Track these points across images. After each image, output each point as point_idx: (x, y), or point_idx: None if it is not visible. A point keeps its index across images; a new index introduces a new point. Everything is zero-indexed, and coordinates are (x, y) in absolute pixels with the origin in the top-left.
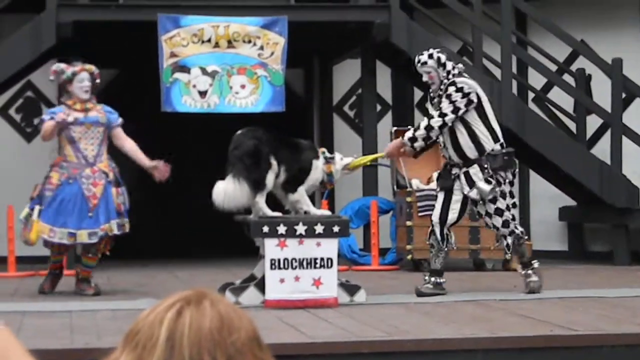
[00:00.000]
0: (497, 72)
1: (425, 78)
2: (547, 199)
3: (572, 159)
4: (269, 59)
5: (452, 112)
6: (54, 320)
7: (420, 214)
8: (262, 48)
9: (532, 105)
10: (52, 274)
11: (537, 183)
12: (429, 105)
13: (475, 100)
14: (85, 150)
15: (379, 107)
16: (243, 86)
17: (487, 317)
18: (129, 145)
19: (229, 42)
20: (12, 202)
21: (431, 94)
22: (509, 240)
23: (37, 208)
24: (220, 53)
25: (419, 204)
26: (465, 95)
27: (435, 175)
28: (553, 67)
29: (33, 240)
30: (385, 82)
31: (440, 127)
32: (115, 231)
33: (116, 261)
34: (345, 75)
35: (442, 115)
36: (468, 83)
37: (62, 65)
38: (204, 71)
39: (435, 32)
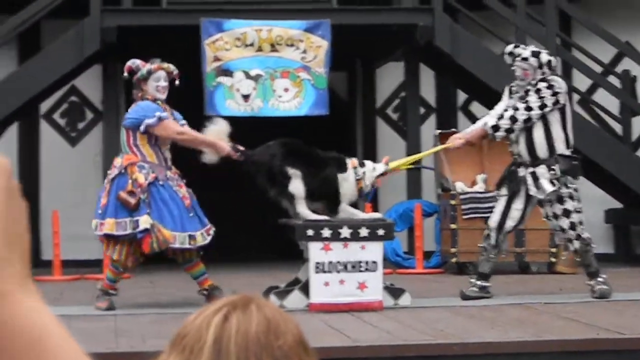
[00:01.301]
0: None
1: (518, 72)
2: (593, 201)
3: (617, 161)
4: (312, 62)
5: (539, 107)
6: (99, 324)
7: (464, 216)
8: (305, 51)
9: (577, 108)
10: (108, 293)
11: (583, 185)
12: (505, 96)
13: (562, 101)
14: (165, 153)
15: (422, 110)
16: (286, 90)
17: (533, 320)
18: None
19: (272, 45)
20: (58, 207)
21: (514, 87)
22: (576, 244)
23: (147, 214)
24: (263, 57)
25: (463, 206)
26: (555, 93)
27: (479, 177)
28: (598, 69)
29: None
30: (428, 85)
31: (525, 121)
32: (213, 231)
33: (160, 265)
34: (389, 78)
35: (529, 109)
36: (559, 82)
37: (138, 62)
38: (247, 75)
39: (479, 35)
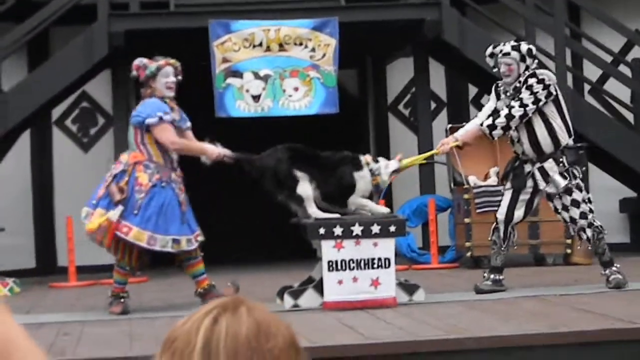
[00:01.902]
0: (551, 65)
1: (503, 69)
2: (607, 190)
3: (630, 150)
4: (320, 60)
5: (533, 102)
6: (113, 328)
7: (478, 210)
8: (313, 50)
9: (588, 98)
10: (120, 297)
11: (597, 175)
12: (493, 97)
13: (554, 92)
14: (173, 154)
15: (433, 105)
16: (296, 89)
17: (547, 313)
18: None
19: (280, 45)
20: (71, 213)
21: (501, 87)
22: (589, 233)
23: (119, 209)
24: (272, 57)
25: (477, 200)
26: (546, 87)
27: (492, 171)
28: (608, 58)
29: (93, 229)
30: (439, 80)
31: (521, 117)
32: (201, 238)
33: (175, 267)
34: (399, 74)
35: (523, 105)
36: (548, 75)
37: (145, 60)
38: (256, 75)
39: (488, 28)
